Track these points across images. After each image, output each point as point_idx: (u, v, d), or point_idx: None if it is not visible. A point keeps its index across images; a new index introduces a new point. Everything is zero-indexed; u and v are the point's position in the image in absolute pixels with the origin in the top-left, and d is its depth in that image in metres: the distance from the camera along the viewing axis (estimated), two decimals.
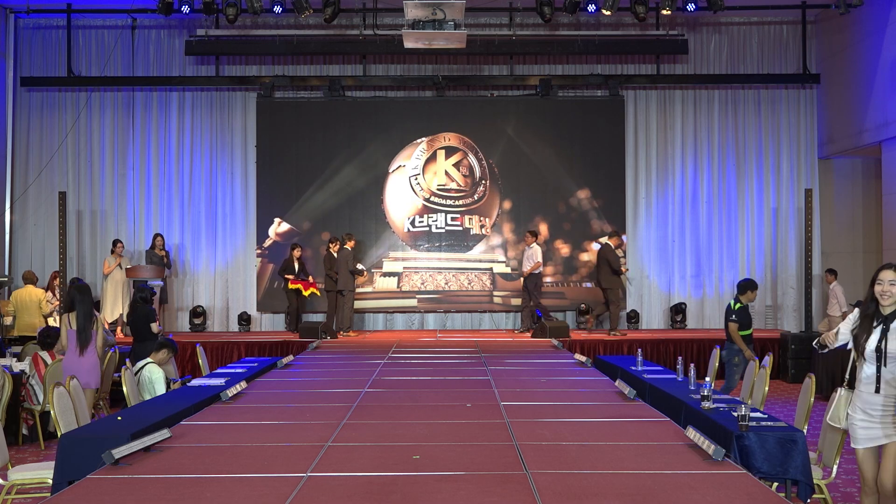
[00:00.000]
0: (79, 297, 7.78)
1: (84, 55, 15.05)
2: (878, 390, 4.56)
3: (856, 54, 13.86)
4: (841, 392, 4.83)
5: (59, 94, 15.03)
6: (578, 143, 14.75)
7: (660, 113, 15.18)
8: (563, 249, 14.73)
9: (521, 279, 13.73)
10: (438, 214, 14.73)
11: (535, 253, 13.46)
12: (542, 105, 14.83)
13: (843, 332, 4.80)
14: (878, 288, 4.62)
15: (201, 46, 14.54)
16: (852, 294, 13.47)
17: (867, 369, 4.63)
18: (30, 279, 12.63)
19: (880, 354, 4.56)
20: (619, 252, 13.48)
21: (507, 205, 14.78)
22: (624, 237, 14.08)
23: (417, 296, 14.64)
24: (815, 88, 15.08)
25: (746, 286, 8.98)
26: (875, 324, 4.63)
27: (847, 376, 4.86)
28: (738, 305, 8.87)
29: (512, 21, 14.54)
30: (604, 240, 13.62)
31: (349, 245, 13.40)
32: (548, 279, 14.52)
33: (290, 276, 13.70)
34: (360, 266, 13.42)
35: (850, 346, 4.79)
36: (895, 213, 13.03)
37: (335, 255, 13.49)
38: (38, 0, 14.39)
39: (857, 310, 4.79)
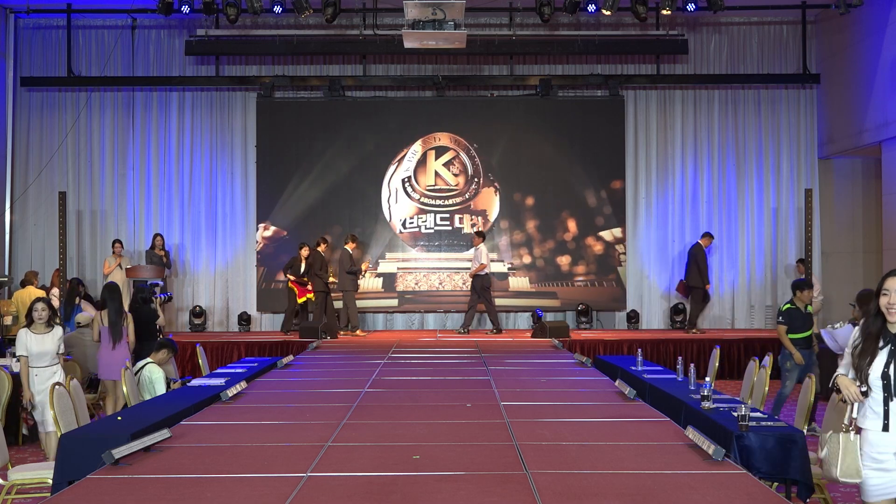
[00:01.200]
0: (109, 296, 8.68)
1: (84, 55, 15.05)
2: (886, 427, 3.71)
3: (856, 54, 13.86)
4: (849, 437, 3.84)
5: (59, 94, 15.03)
6: (578, 143, 14.75)
7: (660, 113, 15.18)
8: (564, 249, 14.73)
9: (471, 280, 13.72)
10: (428, 215, 14.74)
11: (480, 254, 13.49)
12: (542, 105, 14.82)
13: (848, 361, 3.95)
14: (883, 300, 3.77)
15: (201, 46, 14.55)
16: (851, 295, 13.43)
17: (871, 402, 3.81)
18: (28, 280, 12.61)
19: (888, 382, 3.73)
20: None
21: (507, 205, 14.78)
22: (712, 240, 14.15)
23: (407, 295, 14.66)
24: (815, 88, 15.08)
25: (795, 286, 8.78)
26: (881, 344, 3.80)
27: (853, 415, 3.89)
28: (786, 307, 8.69)
29: (512, 21, 14.54)
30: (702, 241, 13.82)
31: (350, 246, 13.38)
32: (545, 280, 14.53)
33: (293, 277, 13.62)
34: (355, 268, 13.35)
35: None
36: (895, 213, 13.03)
37: (324, 255, 13.50)
38: (38, 0, 14.40)
39: (856, 329, 4.04)
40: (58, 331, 7.41)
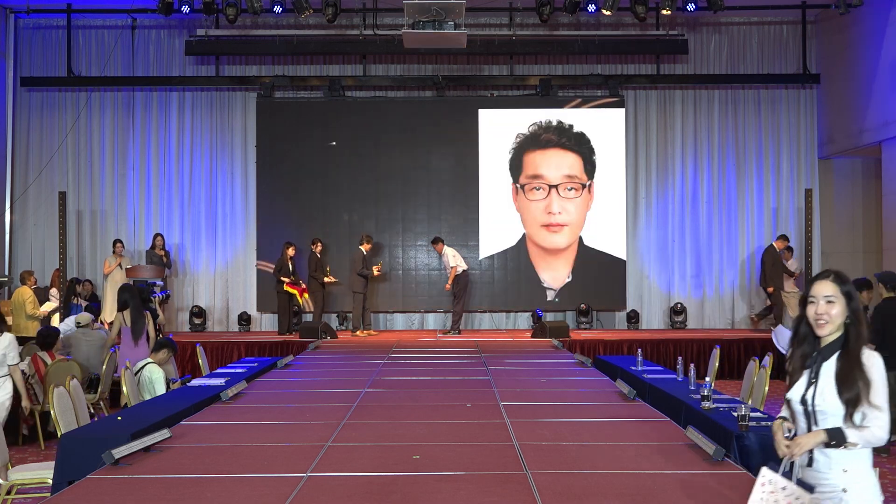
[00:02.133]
0: (129, 297, 9.07)
1: (84, 55, 15.06)
2: (811, 462, 3.05)
3: (856, 54, 13.86)
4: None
5: (59, 94, 15.03)
6: (578, 143, 14.74)
7: (660, 113, 15.18)
8: (565, 250, 14.73)
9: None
10: (427, 215, 14.74)
11: (447, 258, 13.48)
12: (542, 104, 14.81)
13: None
14: (811, 309, 3.10)
15: (201, 46, 14.55)
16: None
17: (798, 429, 3.14)
18: (22, 279, 12.55)
19: (808, 409, 3.07)
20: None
21: (505, 204, 14.78)
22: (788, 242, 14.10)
23: (407, 297, 14.67)
24: (815, 88, 15.08)
25: (862, 285, 8.40)
26: (807, 359, 3.16)
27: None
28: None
29: (512, 21, 14.55)
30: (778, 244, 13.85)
31: (365, 247, 13.35)
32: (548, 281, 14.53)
33: (287, 280, 13.55)
34: (366, 271, 13.32)
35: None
36: (895, 213, 13.03)
37: (318, 255, 13.47)
38: (38, 0, 14.40)
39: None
40: (4, 338, 6.98)
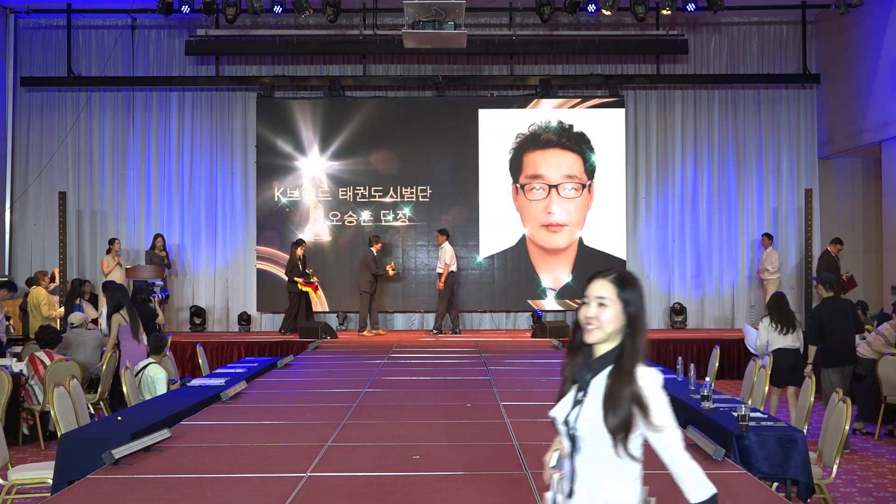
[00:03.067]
0: (121, 296, 9.20)
1: (84, 55, 15.05)
2: (571, 493, 2.53)
3: (856, 54, 13.86)
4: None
5: (59, 94, 15.03)
6: (578, 143, 14.73)
7: (660, 113, 15.18)
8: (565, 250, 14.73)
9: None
10: (427, 215, 14.74)
11: (444, 254, 13.47)
12: (542, 104, 14.80)
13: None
14: (581, 311, 2.60)
15: (201, 46, 14.55)
16: (851, 295, 13.43)
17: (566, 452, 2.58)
18: (36, 280, 12.49)
19: (570, 431, 2.52)
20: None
21: (505, 204, 14.77)
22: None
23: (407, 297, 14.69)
24: (815, 88, 15.08)
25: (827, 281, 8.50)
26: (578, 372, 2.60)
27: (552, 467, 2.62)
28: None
29: (512, 21, 14.54)
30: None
31: (375, 248, 13.34)
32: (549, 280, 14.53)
33: (301, 279, 13.53)
34: (380, 271, 13.33)
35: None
36: (895, 213, 13.03)
37: (298, 256, 13.47)
38: (38, 0, 14.39)
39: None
40: None
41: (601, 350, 2.59)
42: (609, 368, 2.55)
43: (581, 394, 2.54)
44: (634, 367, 2.56)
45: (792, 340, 8.13)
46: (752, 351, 10.10)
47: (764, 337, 8.19)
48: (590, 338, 2.56)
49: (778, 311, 8.22)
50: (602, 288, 2.59)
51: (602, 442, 2.47)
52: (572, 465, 2.53)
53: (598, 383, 2.53)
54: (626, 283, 2.64)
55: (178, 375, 8.91)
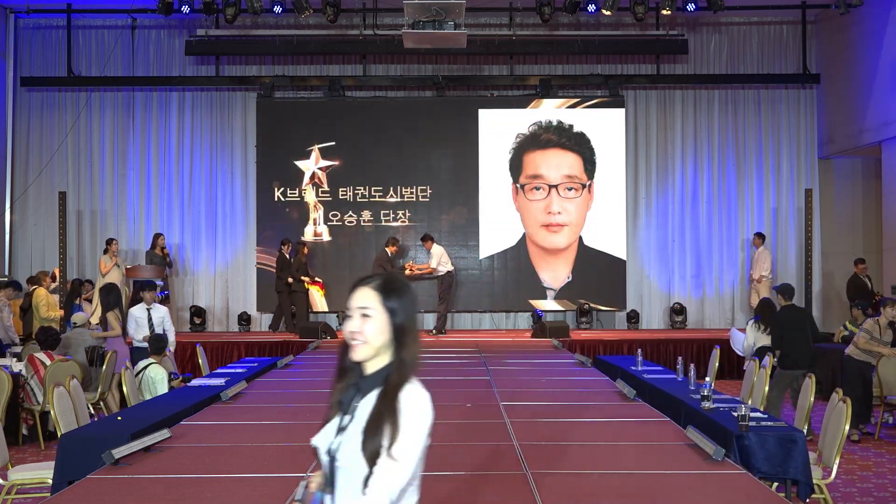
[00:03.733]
0: (116, 296, 9.42)
1: (84, 55, 15.05)
2: None
3: (856, 54, 13.86)
4: None
5: (59, 94, 15.03)
6: (578, 143, 14.74)
7: (660, 113, 15.18)
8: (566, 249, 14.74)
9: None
10: (427, 215, 14.74)
11: (433, 257, 13.47)
12: (542, 104, 14.80)
13: None
14: (345, 326, 2.31)
15: (201, 46, 14.54)
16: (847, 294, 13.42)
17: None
18: (38, 280, 12.47)
19: (333, 462, 2.24)
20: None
21: (505, 204, 14.77)
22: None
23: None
24: (815, 88, 15.08)
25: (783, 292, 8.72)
26: (339, 397, 2.31)
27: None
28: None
29: (512, 21, 14.54)
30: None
31: (391, 249, 13.34)
32: (546, 281, 14.52)
33: (307, 279, 13.56)
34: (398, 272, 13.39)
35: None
36: (895, 213, 13.03)
37: (287, 256, 13.48)
38: (38, 0, 14.39)
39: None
40: None
41: (371, 368, 2.27)
42: (378, 389, 2.23)
43: (347, 419, 2.23)
44: (401, 386, 2.22)
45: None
46: (739, 353, 10.42)
47: (751, 338, 8.90)
48: (356, 355, 2.25)
49: (766, 314, 8.90)
50: (365, 297, 2.26)
51: (359, 477, 2.16)
52: (332, 501, 2.22)
53: (366, 406, 2.21)
54: (392, 289, 2.28)
55: (179, 372, 8.91)
